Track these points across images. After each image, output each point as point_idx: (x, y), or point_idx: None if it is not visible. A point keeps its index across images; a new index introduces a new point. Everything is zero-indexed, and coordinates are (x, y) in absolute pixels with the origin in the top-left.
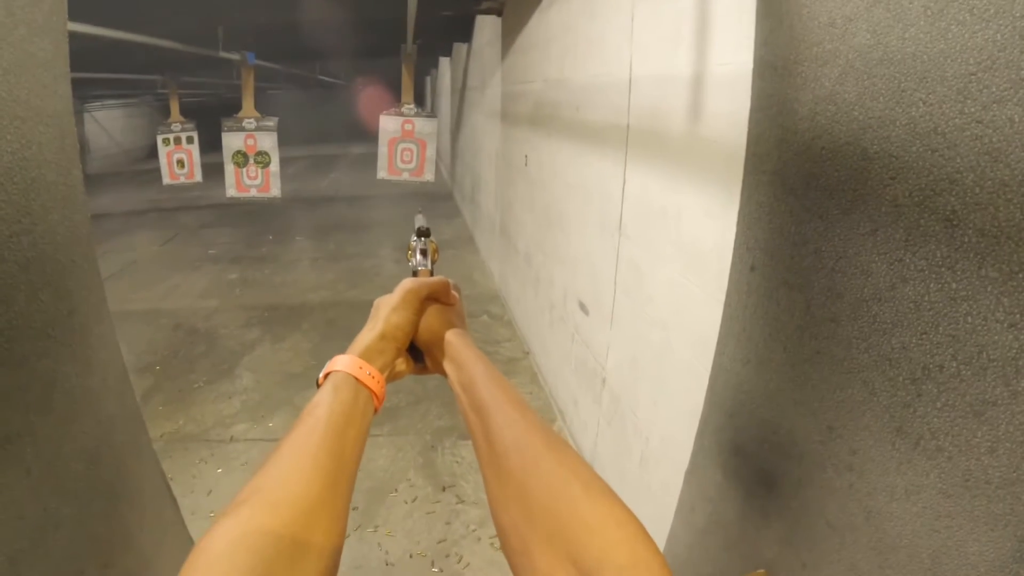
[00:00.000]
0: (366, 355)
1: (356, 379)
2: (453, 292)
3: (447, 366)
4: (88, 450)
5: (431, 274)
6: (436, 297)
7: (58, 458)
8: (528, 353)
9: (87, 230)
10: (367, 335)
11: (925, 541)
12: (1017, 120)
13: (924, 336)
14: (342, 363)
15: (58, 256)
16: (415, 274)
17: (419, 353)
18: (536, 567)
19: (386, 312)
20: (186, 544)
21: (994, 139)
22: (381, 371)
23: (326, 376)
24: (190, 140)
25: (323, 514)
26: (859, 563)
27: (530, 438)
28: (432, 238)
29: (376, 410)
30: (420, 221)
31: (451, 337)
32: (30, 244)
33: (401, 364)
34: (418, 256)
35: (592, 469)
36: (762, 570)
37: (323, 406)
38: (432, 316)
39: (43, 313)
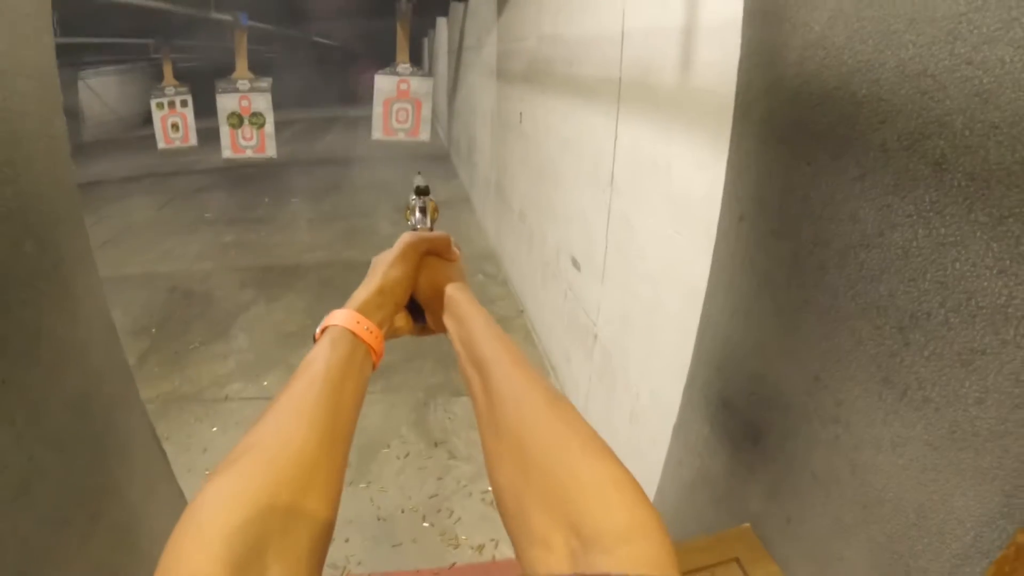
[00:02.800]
0: (364, 309)
1: (353, 333)
2: (454, 248)
3: (446, 320)
4: (75, 401)
5: (430, 232)
6: (436, 252)
7: (43, 409)
8: (522, 311)
9: (71, 182)
10: (365, 290)
11: (911, 494)
12: (1008, 60)
13: (912, 283)
14: (339, 317)
15: (41, 207)
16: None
17: (420, 312)
18: (532, 529)
19: (384, 267)
20: (176, 497)
21: (985, 80)
22: (379, 326)
23: (323, 331)
24: (184, 104)
25: (320, 471)
26: (844, 516)
27: (529, 393)
28: (431, 196)
29: (374, 366)
30: (419, 180)
31: (451, 291)
32: (13, 195)
33: (400, 320)
34: (417, 214)
35: (591, 428)
36: (747, 524)
37: (319, 361)
38: (432, 271)
39: (26, 263)
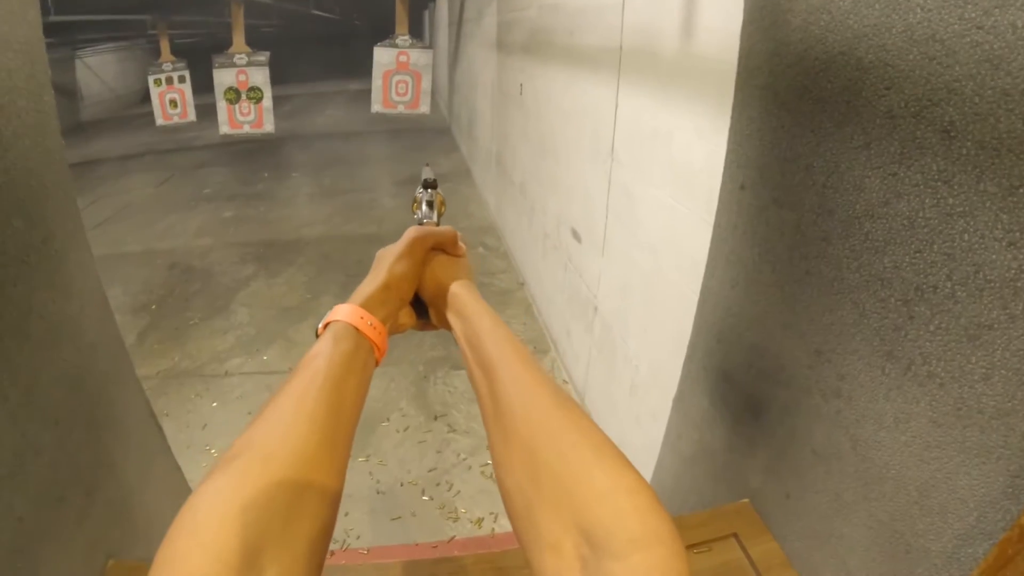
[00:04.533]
0: (368, 305)
1: (357, 329)
2: (460, 244)
3: (451, 319)
4: (68, 377)
5: (437, 226)
6: (442, 247)
7: (37, 385)
8: (522, 284)
9: (61, 157)
10: (369, 285)
11: (913, 472)
12: (1020, 26)
13: (918, 255)
14: (343, 312)
15: (31, 182)
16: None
17: (424, 307)
18: (541, 534)
19: (390, 262)
20: (173, 472)
21: (995, 46)
22: (383, 322)
23: (326, 326)
24: (182, 79)
25: (319, 470)
26: (844, 493)
27: (538, 397)
28: (439, 190)
29: (377, 362)
30: (427, 173)
31: (456, 289)
32: (1, 170)
33: (404, 316)
34: (424, 208)
35: (602, 432)
36: (746, 499)
37: (322, 357)
38: (438, 267)
39: (16, 239)
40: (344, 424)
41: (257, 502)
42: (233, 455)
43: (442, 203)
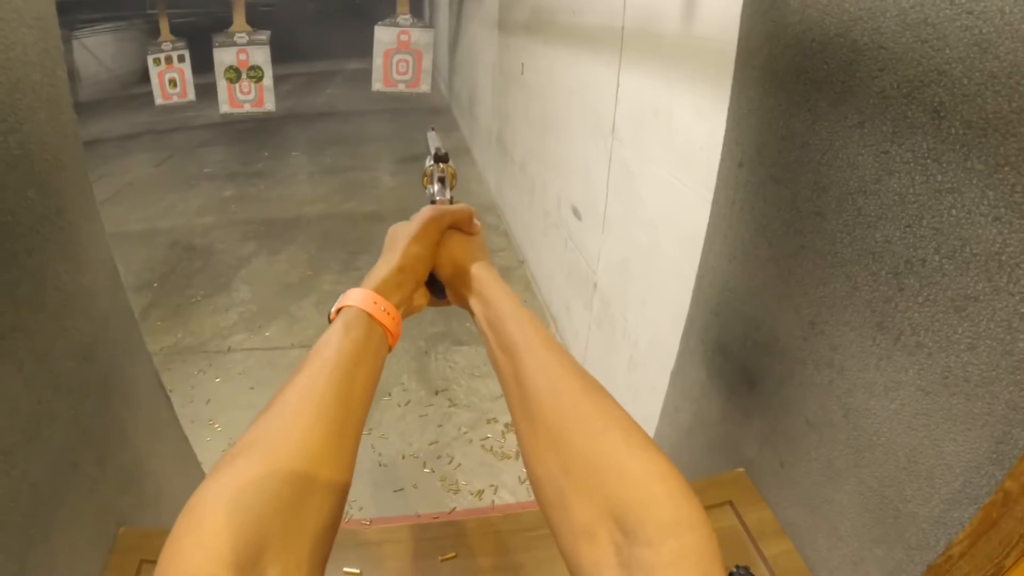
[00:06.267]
0: (382, 289)
1: (370, 315)
2: (476, 221)
3: (472, 302)
4: (81, 346)
5: (450, 203)
6: (458, 226)
7: (51, 353)
8: (523, 262)
9: (74, 130)
10: (384, 267)
11: (902, 439)
12: (1008, 11)
13: (908, 229)
14: (355, 298)
15: (45, 155)
16: (432, 203)
17: (438, 286)
18: (573, 521)
19: (404, 242)
20: (181, 442)
21: (984, 30)
22: (397, 307)
23: (338, 311)
24: (181, 59)
25: (325, 464)
26: (836, 460)
27: (566, 382)
28: (451, 163)
29: (390, 348)
30: (435, 141)
31: (477, 271)
32: (17, 143)
33: (419, 298)
34: (436, 184)
35: (630, 416)
36: (741, 468)
37: (332, 346)
38: (454, 247)
39: (32, 211)
40: (353, 415)
41: (260, 500)
42: (237, 451)
43: (453, 176)
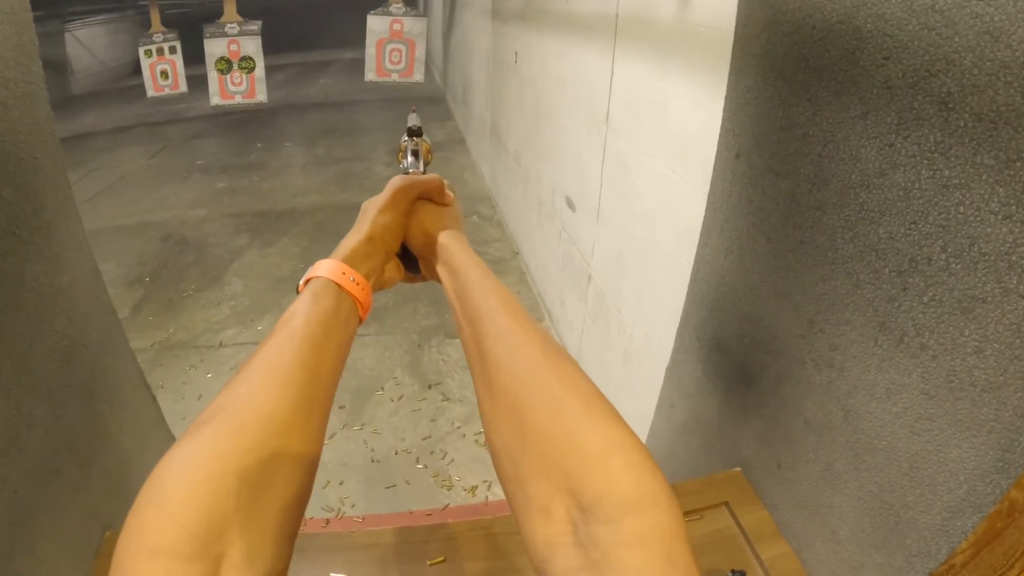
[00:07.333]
0: (351, 260)
1: (339, 286)
2: (448, 192)
3: (440, 271)
4: (62, 349)
5: (423, 175)
6: (429, 197)
7: (30, 357)
8: (517, 253)
9: (50, 127)
10: (353, 238)
11: (904, 444)
12: None
13: (913, 226)
14: (324, 268)
15: (20, 154)
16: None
17: (412, 260)
18: (530, 497)
19: (374, 213)
20: (168, 442)
21: (996, 18)
22: (367, 277)
23: (307, 283)
24: (173, 50)
25: (293, 436)
26: (835, 463)
27: (526, 350)
28: (425, 137)
29: (361, 320)
30: (413, 120)
31: (445, 240)
32: None
33: (391, 270)
34: (409, 157)
35: (594, 386)
36: (738, 468)
37: (299, 316)
38: (425, 217)
39: (6, 211)
40: (322, 386)
41: (226, 470)
42: (204, 420)
43: (428, 151)
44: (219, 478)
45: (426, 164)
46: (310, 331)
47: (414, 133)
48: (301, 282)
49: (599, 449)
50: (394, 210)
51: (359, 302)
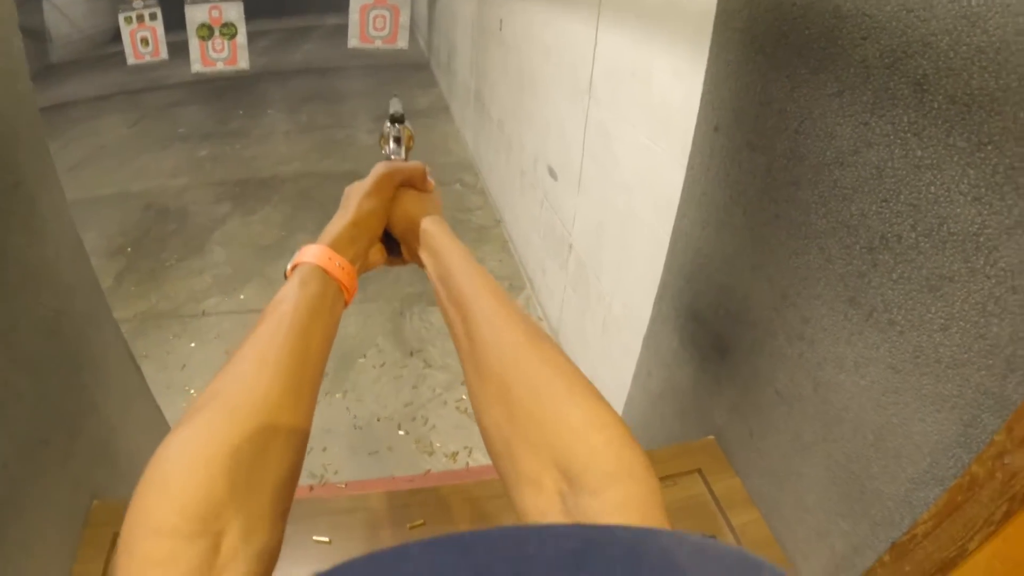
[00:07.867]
0: (336, 245)
1: (325, 271)
2: (429, 179)
3: (423, 255)
4: (46, 321)
5: (405, 161)
6: (411, 183)
7: (15, 330)
8: (499, 221)
9: (31, 101)
10: (338, 223)
11: (870, 416)
12: None
13: (884, 204)
14: (311, 254)
15: (1, 128)
16: None
17: (394, 243)
18: (521, 471)
19: (358, 198)
20: (153, 412)
21: (973, 2)
22: (352, 262)
23: (294, 268)
24: (153, 17)
25: (284, 418)
26: (804, 433)
27: (511, 332)
28: (407, 124)
29: (346, 303)
30: (395, 106)
31: (427, 225)
32: None
33: (375, 254)
34: (391, 144)
35: (575, 367)
36: (711, 436)
37: (288, 301)
38: (407, 203)
39: None
40: (310, 369)
41: (222, 453)
42: (199, 406)
43: (410, 138)
44: (215, 461)
45: (408, 151)
46: (298, 317)
47: (397, 120)
48: (288, 267)
49: (582, 427)
50: (378, 196)
51: (345, 287)
